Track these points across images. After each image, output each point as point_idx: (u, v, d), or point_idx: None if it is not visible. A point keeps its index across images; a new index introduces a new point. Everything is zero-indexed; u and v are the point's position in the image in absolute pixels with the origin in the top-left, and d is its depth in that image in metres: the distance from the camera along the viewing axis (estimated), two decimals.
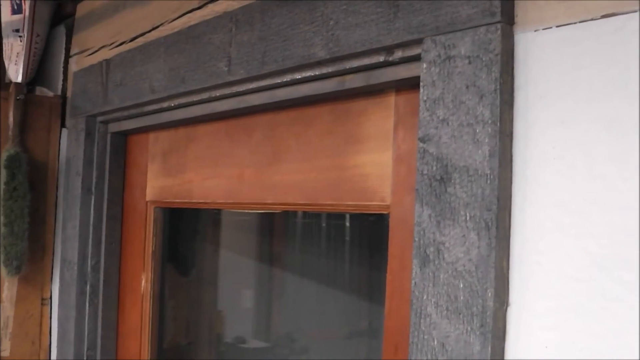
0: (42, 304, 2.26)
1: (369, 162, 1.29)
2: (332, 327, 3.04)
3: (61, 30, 2.31)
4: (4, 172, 2.08)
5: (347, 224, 2.98)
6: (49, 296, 2.27)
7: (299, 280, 3.11)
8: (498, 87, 0.96)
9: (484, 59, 0.98)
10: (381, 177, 1.26)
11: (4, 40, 2.26)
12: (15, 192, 2.08)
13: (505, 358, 0.96)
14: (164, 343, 2.21)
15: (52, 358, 2.25)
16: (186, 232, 2.39)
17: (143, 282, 1.97)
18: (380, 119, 1.28)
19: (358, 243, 2.98)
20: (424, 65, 1.07)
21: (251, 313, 3.20)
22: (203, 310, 2.62)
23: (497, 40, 0.97)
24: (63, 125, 2.27)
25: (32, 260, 2.18)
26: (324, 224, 3.07)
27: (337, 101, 1.36)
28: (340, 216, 2.90)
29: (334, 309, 3.05)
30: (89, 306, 2.04)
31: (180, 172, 1.81)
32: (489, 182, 0.96)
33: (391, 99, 1.26)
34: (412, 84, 1.18)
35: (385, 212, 1.26)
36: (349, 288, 3.03)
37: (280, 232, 3.04)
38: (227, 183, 1.64)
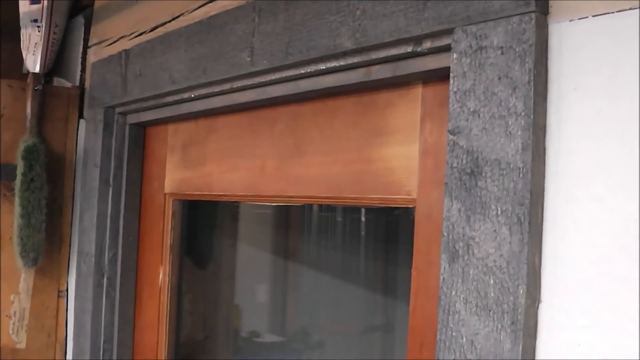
0: (58, 296, 2.25)
1: (394, 155, 1.27)
2: (347, 322, 3.03)
3: (80, 20, 2.30)
4: (21, 163, 2.07)
5: (363, 218, 2.96)
6: (66, 288, 2.26)
7: (315, 274, 3.09)
8: (532, 78, 0.93)
9: (517, 49, 0.95)
10: (407, 171, 1.24)
11: (22, 31, 2.25)
12: (33, 183, 2.07)
13: (536, 357, 0.94)
14: (181, 337, 2.20)
15: (67, 351, 2.24)
16: (204, 225, 2.38)
17: (161, 275, 1.95)
18: (406, 111, 1.25)
19: (373, 237, 2.97)
20: (455, 56, 1.04)
21: (266, 307, 3.19)
22: (220, 304, 2.61)
23: (531, 31, 0.94)
24: (81, 116, 2.26)
25: (48, 252, 2.17)
26: (339, 219, 3.05)
27: (362, 93, 1.34)
28: (356, 210, 2.88)
29: (349, 304, 3.03)
30: (106, 299, 2.03)
31: (199, 164, 1.80)
32: (521, 175, 0.93)
33: (418, 91, 1.23)
34: (440, 76, 1.16)
35: (410, 206, 1.24)
36: (363, 282, 3.01)
37: (297, 225, 3.03)
38: (248, 175, 1.62)
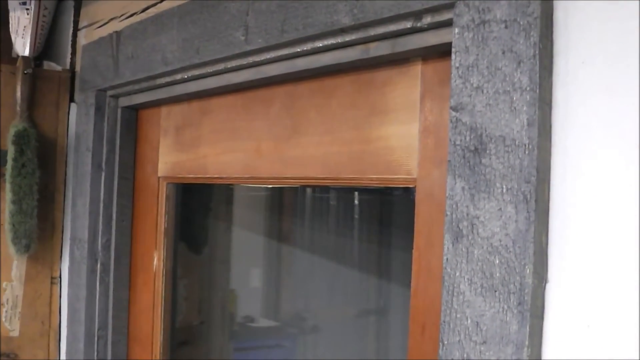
0: (51, 283, 2.23)
1: (394, 134, 1.24)
2: (342, 306, 3.03)
3: (69, 2, 2.26)
4: (12, 148, 2.04)
5: (356, 201, 2.95)
6: (59, 275, 2.24)
7: (310, 257, 3.09)
8: (537, 52, 0.91)
9: (521, 22, 0.93)
10: (407, 150, 1.21)
11: (11, 14, 2.21)
12: (24, 168, 2.04)
13: (544, 338, 0.92)
14: (176, 322, 2.18)
15: (62, 338, 2.22)
16: (198, 209, 2.36)
17: (155, 260, 1.93)
18: (406, 89, 1.23)
19: (368, 219, 2.96)
20: (456, 31, 1.01)
21: (261, 291, 3.18)
22: (215, 289, 2.59)
23: (535, 3, 0.92)
24: (72, 100, 2.23)
25: (41, 238, 2.14)
26: (332, 202, 3.04)
27: (360, 71, 1.31)
28: (351, 192, 2.87)
29: (344, 287, 3.03)
30: (100, 285, 2.01)
31: (194, 147, 1.77)
32: (527, 152, 0.91)
33: (417, 68, 1.21)
34: (440, 52, 1.14)
35: (411, 186, 1.21)
36: (358, 265, 3.01)
37: (292, 208, 3.01)
38: (243, 157, 1.60)
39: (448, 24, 1.06)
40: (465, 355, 0.97)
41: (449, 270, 1.00)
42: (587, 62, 0.89)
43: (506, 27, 0.95)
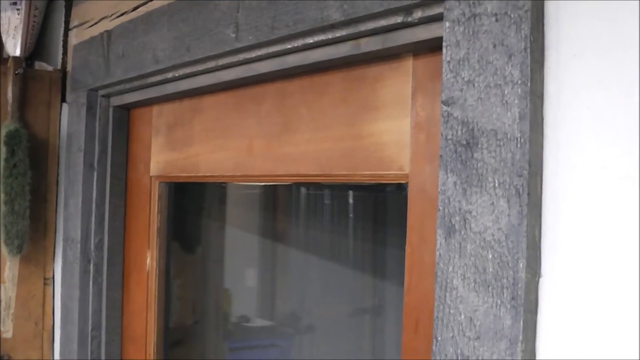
0: (44, 283, 2.22)
1: (386, 130, 1.24)
2: (337, 305, 3.02)
3: (60, 2, 2.26)
4: (3, 148, 2.03)
5: (351, 200, 2.95)
6: (52, 276, 2.23)
7: (304, 256, 3.08)
8: (528, 45, 0.90)
9: (512, 16, 0.92)
10: (399, 145, 1.21)
11: (1, 14, 2.20)
12: (16, 169, 2.03)
13: (538, 332, 0.91)
14: (170, 322, 2.17)
15: (55, 339, 2.21)
16: (191, 208, 2.35)
17: (148, 260, 1.92)
18: (397, 85, 1.22)
19: (362, 217, 2.96)
20: (447, 25, 1.01)
21: (256, 291, 3.18)
22: (209, 289, 2.58)
23: None
24: (63, 100, 2.22)
25: (33, 239, 2.13)
26: (327, 201, 3.04)
27: (351, 67, 1.30)
28: (344, 189, 2.86)
29: (339, 286, 3.02)
30: (93, 285, 2.00)
31: (186, 146, 1.76)
32: (519, 146, 0.90)
33: (409, 63, 1.20)
34: (431, 47, 1.13)
35: (403, 182, 1.21)
36: (352, 264, 3.00)
37: (286, 206, 3.01)
38: (235, 155, 1.59)
39: (438, 18, 1.06)
40: (459, 351, 0.97)
41: (441, 265, 1.00)
42: (578, 55, 0.88)
43: (497, 20, 0.94)
